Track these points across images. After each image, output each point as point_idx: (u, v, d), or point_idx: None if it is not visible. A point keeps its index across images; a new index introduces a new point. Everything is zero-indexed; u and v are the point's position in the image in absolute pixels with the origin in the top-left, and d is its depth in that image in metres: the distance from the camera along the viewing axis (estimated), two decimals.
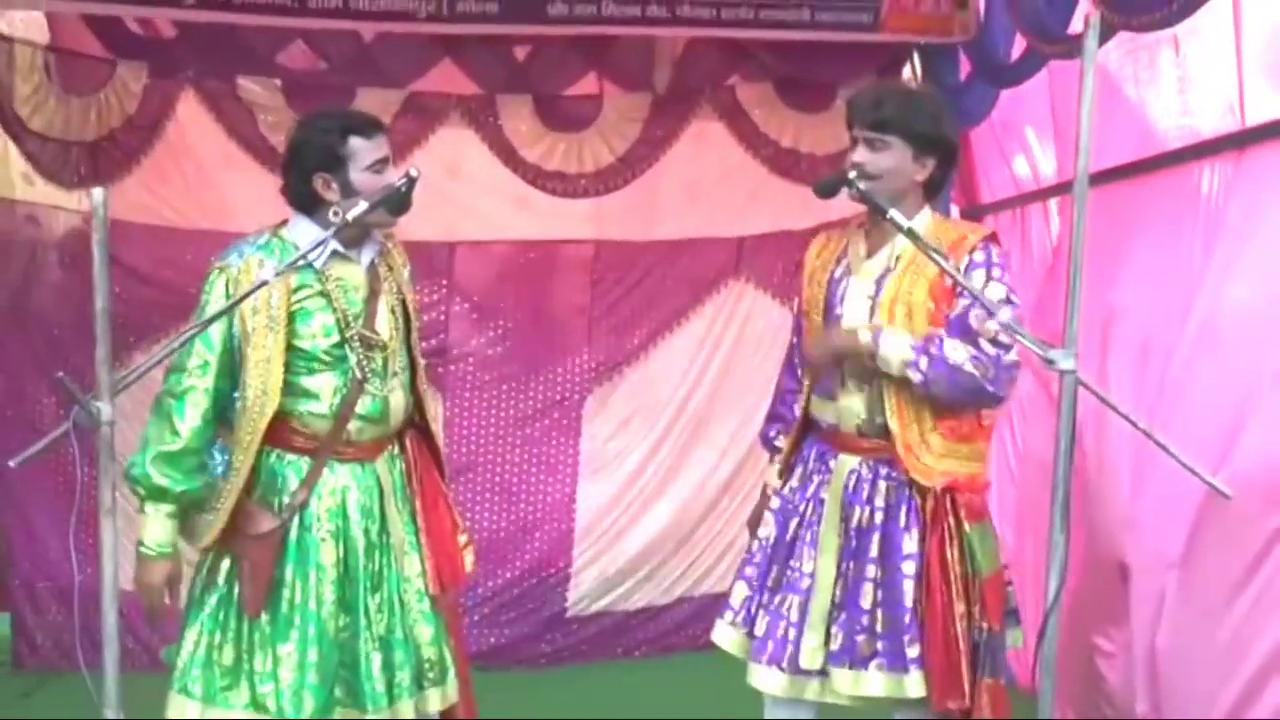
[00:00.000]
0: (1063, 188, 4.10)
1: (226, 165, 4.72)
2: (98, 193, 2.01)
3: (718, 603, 3.17)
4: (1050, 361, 2.24)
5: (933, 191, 2.95)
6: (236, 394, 2.78)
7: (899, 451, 2.83)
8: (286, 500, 2.81)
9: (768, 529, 3.01)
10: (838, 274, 2.94)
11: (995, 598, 2.83)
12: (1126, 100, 3.77)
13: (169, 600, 2.82)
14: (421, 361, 3.00)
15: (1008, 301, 2.76)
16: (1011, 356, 2.75)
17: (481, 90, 4.83)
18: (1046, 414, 3.94)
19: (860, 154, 2.85)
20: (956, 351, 2.74)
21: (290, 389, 2.78)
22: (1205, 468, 2.45)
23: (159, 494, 2.76)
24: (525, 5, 4.31)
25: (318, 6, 4.18)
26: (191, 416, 2.75)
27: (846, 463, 2.90)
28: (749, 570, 3.01)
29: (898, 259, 2.86)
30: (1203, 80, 3.47)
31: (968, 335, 2.76)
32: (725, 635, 3.01)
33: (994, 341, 2.73)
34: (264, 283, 2.43)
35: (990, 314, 2.59)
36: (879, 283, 2.87)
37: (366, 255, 2.88)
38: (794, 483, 3.01)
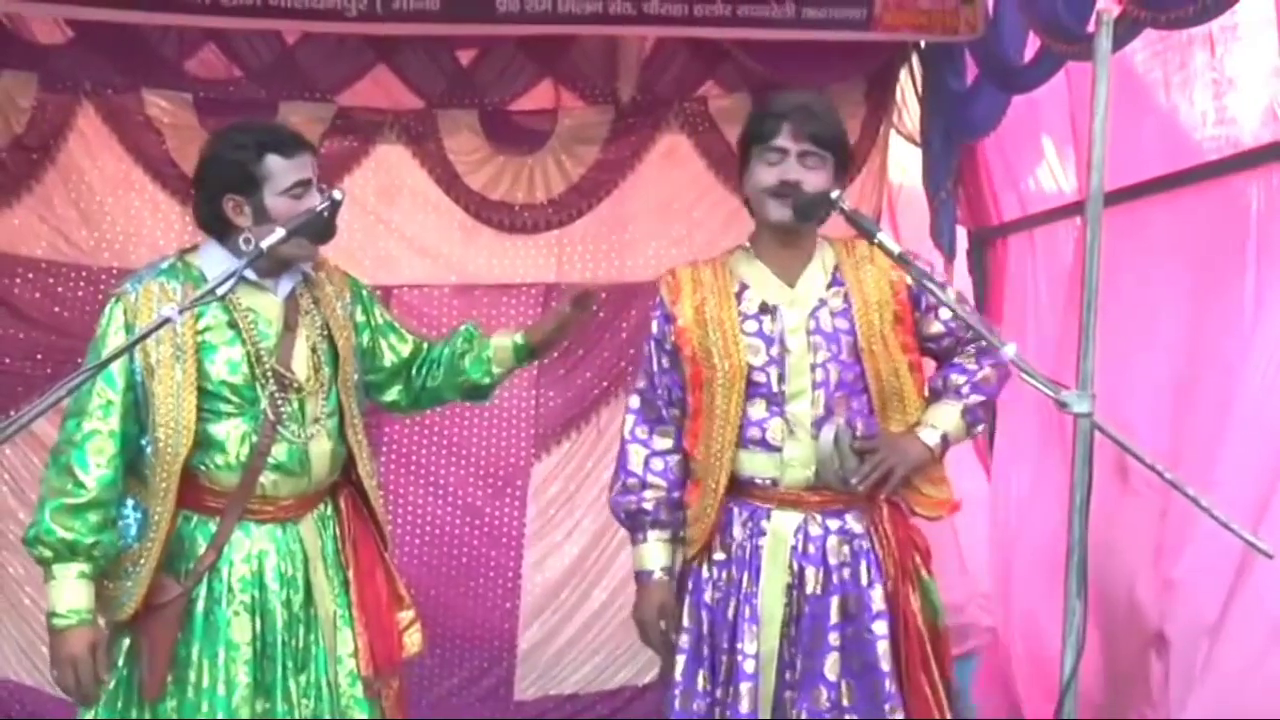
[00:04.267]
0: (1080, 206, 4.05)
1: (128, 192, 4.72)
2: None
3: None
4: (1063, 405, 2.23)
5: None
6: (145, 439, 2.73)
7: (902, 491, 2.88)
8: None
9: (696, 620, 2.90)
10: (747, 309, 2.86)
11: (948, 647, 2.98)
12: (1156, 106, 3.77)
13: (98, 673, 2.68)
14: (355, 410, 2.94)
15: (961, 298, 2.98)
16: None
17: (420, 102, 4.83)
18: (1060, 461, 3.90)
19: (795, 171, 2.75)
20: (984, 378, 2.90)
21: (195, 438, 2.72)
22: (1246, 522, 2.44)
23: (68, 550, 2.66)
24: (470, 1, 4.27)
25: (232, 4, 4.12)
26: (97, 465, 2.68)
27: (788, 520, 2.84)
28: (688, 672, 2.90)
29: (828, 287, 2.86)
30: (1242, 83, 3.47)
31: (963, 345, 2.93)
32: None
33: (969, 335, 2.90)
34: (166, 320, 2.31)
35: (998, 347, 2.55)
36: (814, 315, 2.84)
37: (285, 285, 2.85)
38: (718, 556, 2.90)
